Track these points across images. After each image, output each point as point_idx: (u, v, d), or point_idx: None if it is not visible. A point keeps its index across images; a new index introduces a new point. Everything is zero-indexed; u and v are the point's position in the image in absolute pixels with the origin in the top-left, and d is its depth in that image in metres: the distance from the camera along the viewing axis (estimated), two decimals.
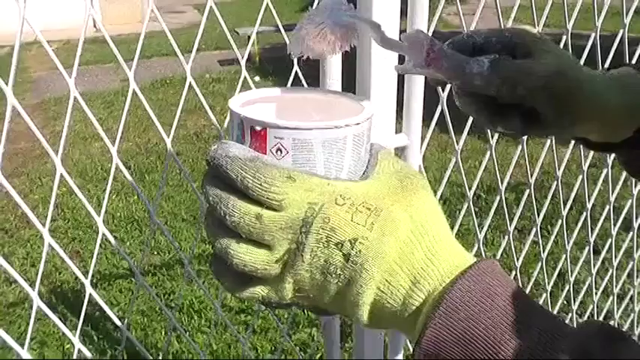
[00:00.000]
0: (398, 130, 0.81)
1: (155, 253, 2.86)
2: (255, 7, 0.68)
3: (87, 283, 0.82)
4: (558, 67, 0.43)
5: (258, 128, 0.32)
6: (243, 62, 0.73)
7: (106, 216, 3.22)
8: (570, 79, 0.43)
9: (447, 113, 0.84)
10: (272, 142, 0.32)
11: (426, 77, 0.82)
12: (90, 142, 4.34)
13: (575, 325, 0.32)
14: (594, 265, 1.39)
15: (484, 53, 0.43)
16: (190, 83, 0.75)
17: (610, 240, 1.38)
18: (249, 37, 6.98)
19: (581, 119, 0.45)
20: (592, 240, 1.30)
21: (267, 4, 0.68)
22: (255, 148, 0.33)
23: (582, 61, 0.97)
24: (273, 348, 2.15)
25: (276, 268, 0.33)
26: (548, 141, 1.04)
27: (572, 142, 0.87)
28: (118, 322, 0.87)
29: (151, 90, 6.11)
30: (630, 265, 1.54)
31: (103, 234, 0.80)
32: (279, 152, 0.32)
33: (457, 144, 0.90)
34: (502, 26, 0.86)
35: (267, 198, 0.31)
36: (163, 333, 2.25)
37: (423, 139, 0.86)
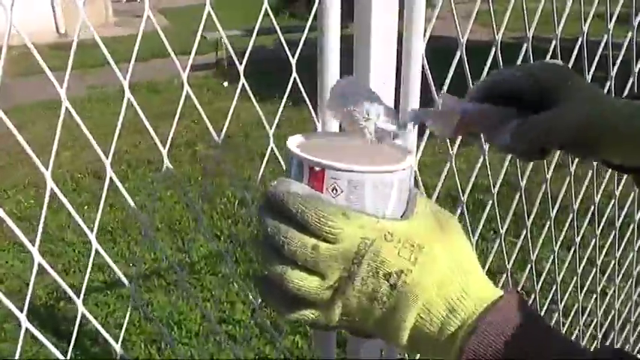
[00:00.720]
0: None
1: (130, 264, 2.80)
2: (223, 11, 0.67)
3: (79, 302, 0.79)
4: (584, 117, 0.44)
5: (317, 169, 0.36)
6: (241, 70, 0.71)
7: (79, 229, 3.13)
8: (596, 128, 0.45)
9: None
10: (329, 182, 0.36)
11: (422, 84, 0.82)
12: (58, 151, 4.23)
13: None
14: (579, 265, 1.41)
15: (511, 97, 0.46)
16: (185, 88, 0.73)
17: (594, 240, 1.40)
18: (217, 42, 6.86)
19: (606, 149, 0.47)
20: (578, 240, 1.32)
21: (266, 9, 0.67)
22: (312, 186, 0.36)
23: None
24: (256, 357, 2.13)
25: (327, 294, 0.36)
26: None
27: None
28: (115, 345, 0.83)
29: (118, 97, 5.99)
30: (612, 264, 1.57)
31: (97, 248, 0.77)
32: (334, 191, 0.36)
33: (451, 149, 0.89)
34: (494, 32, 0.86)
35: (325, 232, 0.35)
36: (143, 346, 2.20)
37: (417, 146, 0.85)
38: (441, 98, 0.45)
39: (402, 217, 0.38)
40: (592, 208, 1.32)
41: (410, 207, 0.39)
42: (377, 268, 0.35)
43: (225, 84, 6.37)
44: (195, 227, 3.16)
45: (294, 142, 0.40)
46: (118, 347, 0.84)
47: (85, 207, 3.37)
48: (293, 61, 0.75)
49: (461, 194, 0.96)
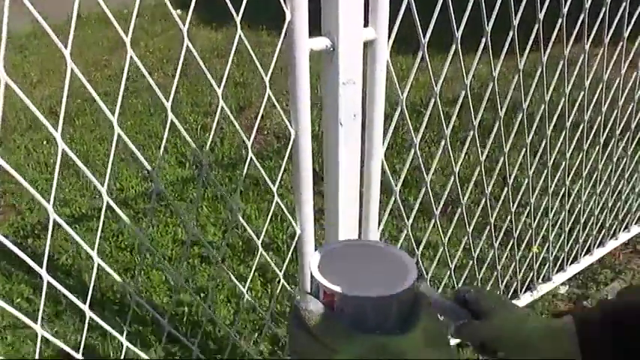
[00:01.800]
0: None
1: (96, 197, 2.76)
2: None
3: (49, 207, 0.77)
4: (501, 328, 0.60)
5: (328, 292, 0.45)
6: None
7: (40, 166, 3.05)
8: (512, 337, 0.60)
9: (414, 6, 0.82)
10: (337, 303, 0.45)
11: None
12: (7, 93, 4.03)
13: None
14: (531, 166, 1.43)
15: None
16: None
17: (545, 140, 1.43)
18: None
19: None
20: (528, 141, 1.35)
21: None
22: (325, 303, 0.45)
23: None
24: (230, 278, 2.16)
25: None
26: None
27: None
28: (91, 251, 0.83)
29: (66, 28, 5.67)
30: (563, 164, 1.60)
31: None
32: (341, 311, 0.45)
33: (423, 38, 0.88)
34: None
35: (329, 345, 0.43)
36: (117, 275, 2.20)
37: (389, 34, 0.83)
38: (419, 283, 0.53)
39: (403, 326, 0.45)
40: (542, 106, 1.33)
41: (412, 313, 0.45)
42: None
43: (178, 11, 6.11)
44: (160, 156, 3.11)
45: (316, 260, 0.48)
46: (94, 254, 0.83)
47: (44, 142, 3.26)
48: None
49: (436, 89, 0.96)
